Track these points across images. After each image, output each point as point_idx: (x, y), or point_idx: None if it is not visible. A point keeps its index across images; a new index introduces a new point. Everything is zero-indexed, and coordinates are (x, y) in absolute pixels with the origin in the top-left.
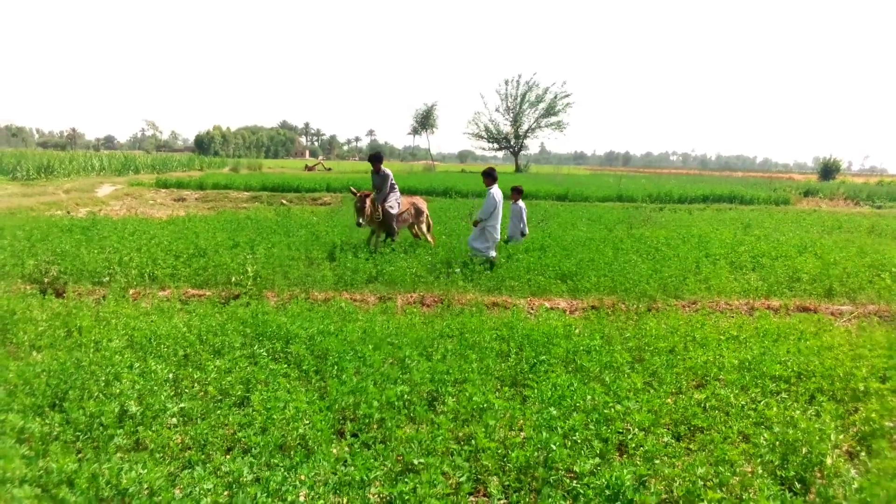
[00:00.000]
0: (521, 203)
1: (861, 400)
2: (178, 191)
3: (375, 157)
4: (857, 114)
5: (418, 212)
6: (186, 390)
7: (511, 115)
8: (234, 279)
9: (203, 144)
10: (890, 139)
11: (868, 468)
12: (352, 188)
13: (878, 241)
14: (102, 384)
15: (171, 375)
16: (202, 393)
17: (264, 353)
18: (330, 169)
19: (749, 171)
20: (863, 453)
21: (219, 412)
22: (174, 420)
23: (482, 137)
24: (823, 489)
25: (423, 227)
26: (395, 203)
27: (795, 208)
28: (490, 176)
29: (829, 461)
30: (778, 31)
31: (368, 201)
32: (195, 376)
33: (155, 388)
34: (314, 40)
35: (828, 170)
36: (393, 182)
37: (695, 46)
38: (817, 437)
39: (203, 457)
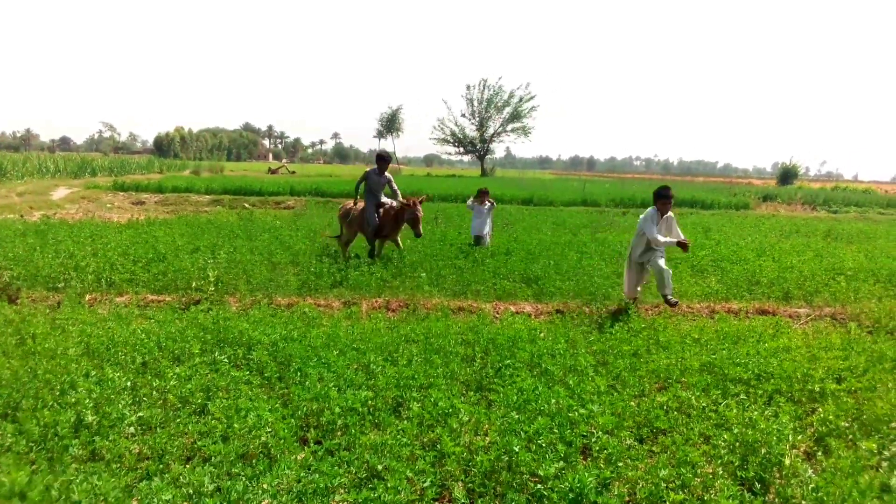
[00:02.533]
0: (487, 204)
1: (818, 401)
2: (136, 194)
3: (385, 157)
4: (814, 121)
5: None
6: (145, 398)
7: (477, 119)
8: (194, 284)
9: (163, 146)
10: (846, 146)
11: (824, 467)
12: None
13: (834, 246)
14: (58, 393)
15: (129, 383)
16: (161, 401)
17: (225, 360)
18: (294, 172)
19: (710, 176)
20: (819, 453)
21: (178, 421)
22: (132, 429)
23: (448, 142)
24: (782, 489)
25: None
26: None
27: (755, 213)
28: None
29: (787, 461)
30: (738, 39)
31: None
32: (154, 384)
33: (112, 396)
34: (278, 42)
35: (786, 175)
36: (395, 188)
37: (658, 54)
38: (776, 438)
39: (161, 467)
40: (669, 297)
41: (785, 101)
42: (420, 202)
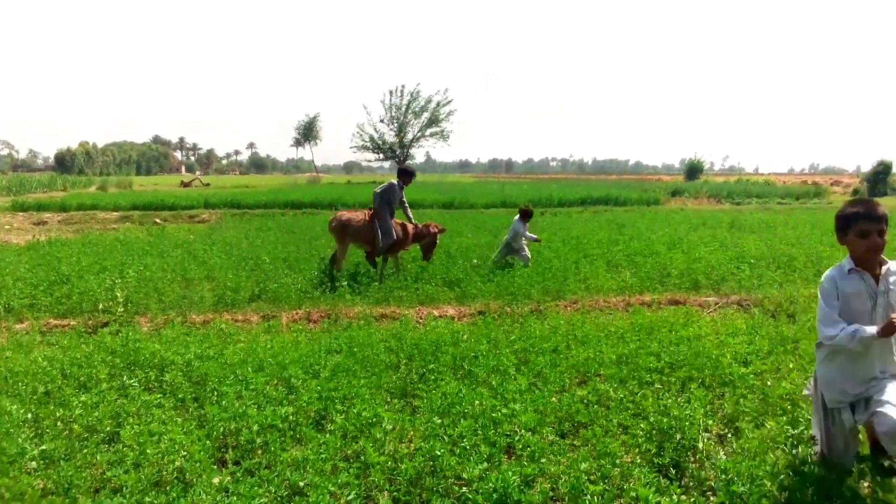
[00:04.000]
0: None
1: (727, 385)
2: (37, 213)
3: (412, 172)
4: (717, 118)
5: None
6: (48, 430)
7: (395, 125)
8: (101, 306)
9: (66, 163)
10: (746, 141)
11: (734, 449)
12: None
13: (738, 235)
14: None
15: (29, 415)
16: (66, 432)
17: (136, 384)
18: (208, 184)
19: (622, 174)
20: (730, 435)
21: (85, 451)
22: (34, 464)
23: (367, 148)
24: (696, 472)
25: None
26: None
27: (665, 208)
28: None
29: (700, 445)
30: (643, 41)
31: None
32: (58, 414)
33: (11, 430)
34: (186, 50)
35: (693, 170)
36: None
37: (569, 56)
38: (689, 423)
39: (68, 502)
40: None
41: (690, 100)
42: (440, 232)
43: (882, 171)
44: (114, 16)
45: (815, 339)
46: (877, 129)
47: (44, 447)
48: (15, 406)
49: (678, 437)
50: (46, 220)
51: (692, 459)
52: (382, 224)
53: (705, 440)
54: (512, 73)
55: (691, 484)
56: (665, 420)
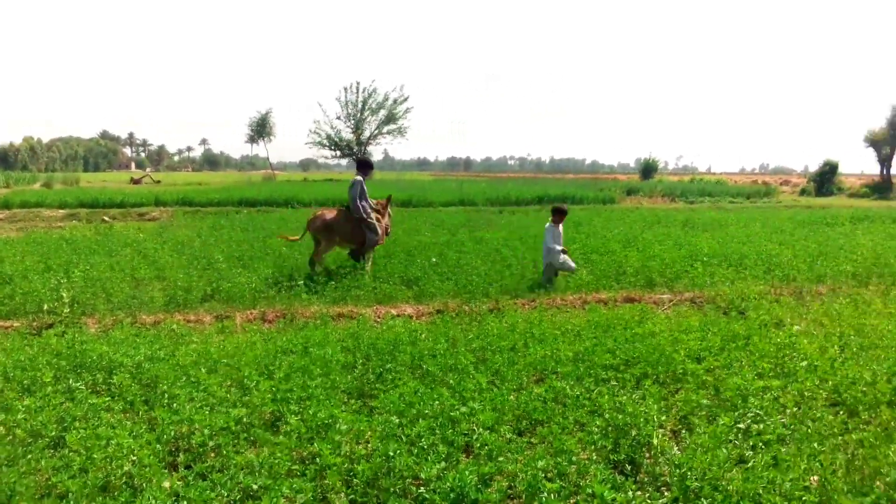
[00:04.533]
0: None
1: (681, 381)
2: None
3: (371, 163)
4: (671, 118)
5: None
6: None
7: (352, 122)
8: (46, 307)
9: (8, 159)
10: (699, 141)
11: (688, 444)
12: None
13: (691, 234)
14: None
15: None
16: (9, 437)
17: (83, 387)
18: (159, 181)
19: (579, 173)
20: (684, 431)
21: (29, 457)
22: None
23: (324, 146)
24: (651, 468)
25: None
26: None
27: (620, 206)
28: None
29: (655, 441)
30: (595, 43)
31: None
32: (0, 419)
33: None
34: (135, 41)
35: (647, 169)
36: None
37: (524, 56)
38: (643, 420)
39: None
40: None
41: (645, 100)
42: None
43: (828, 171)
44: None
45: (766, 334)
46: (824, 131)
47: None
48: None
49: (633, 433)
50: None
51: (647, 455)
52: (368, 221)
53: (660, 436)
54: (473, 72)
55: (646, 479)
56: (620, 417)
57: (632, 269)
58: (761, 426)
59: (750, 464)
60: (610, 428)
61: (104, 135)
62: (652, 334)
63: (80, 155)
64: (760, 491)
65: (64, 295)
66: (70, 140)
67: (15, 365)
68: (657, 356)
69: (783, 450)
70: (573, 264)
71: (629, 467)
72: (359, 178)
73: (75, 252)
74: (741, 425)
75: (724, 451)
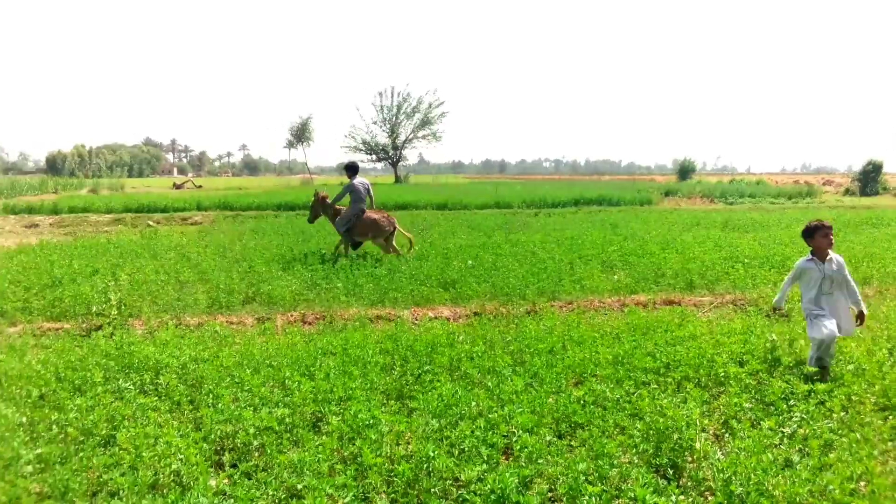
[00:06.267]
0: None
1: (723, 385)
2: (29, 216)
3: (357, 167)
4: (710, 117)
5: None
6: (43, 434)
7: (387, 126)
8: (95, 309)
9: (57, 165)
10: (738, 141)
11: (731, 448)
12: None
13: (731, 235)
14: None
15: (24, 419)
16: (62, 435)
17: (131, 387)
18: (200, 186)
19: (615, 175)
20: (727, 435)
21: (81, 455)
22: (30, 468)
23: (360, 150)
24: (694, 472)
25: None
26: (349, 215)
27: (658, 208)
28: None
29: (697, 445)
30: (634, 41)
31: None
32: (53, 417)
33: (6, 434)
34: (177, 50)
35: (685, 170)
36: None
37: (560, 57)
38: (685, 423)
39: None
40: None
41: (682, 100)
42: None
43: (872, 170)
44: (106, 18)
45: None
46: (868, 129)
47: (39, 451)
48: (10, 410)
49: (675, 437)
50: (38, 222)
51: (690, 459)
52: (369, 216)
53: (702, 440)
54: (506, 74)
55: (689, 484)
56: (662, 420)
57: (671, 271)
58: (807, 430)
59: (796, 469)
60: (651, 431)
61: (147, 141)
62: (693, 337)
63: (124, 161)
64: (807, 496)
65: (111, 297)
66: (115, 147)
67: (66, 365)
68: (698, 359)
69: (831, 455)
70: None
71: (671, 471)
72: (355, 181)
73: (121, 255)
74: (786, 430)
75: (769, 455)
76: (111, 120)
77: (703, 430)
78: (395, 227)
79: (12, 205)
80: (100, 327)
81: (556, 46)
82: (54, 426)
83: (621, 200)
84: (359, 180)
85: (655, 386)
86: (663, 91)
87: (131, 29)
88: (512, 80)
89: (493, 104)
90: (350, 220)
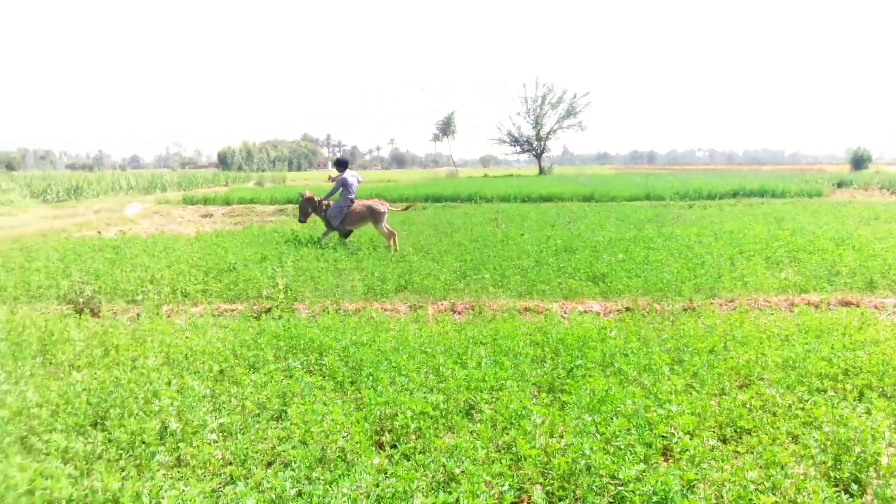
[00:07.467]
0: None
1: None
2: (204, 207)
3: (348, 161)
4: (891, 101)
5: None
6: (224, 405)
7: (532, 117)
8: (264, 293)
9: (226, 160)
10: None
11: None
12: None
13: None
14: (142, 402)
15: (207, 391)
16: (240, 408)
17: (299, 366)
18: None
19: (778, 165)
20: None
21: (257, 427)
22: (214, 436)
23: (505, 142)
24: (880, 490)
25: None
26: (341, 206)
27: (829, 200)
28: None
29: (884, 461)
30: (801, 23)
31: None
32: (232, 391)
33: (193, 404)
34: (330, 54)
35: (859, 160)
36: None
37: (715, 40)
38: (870, 436)
39: (245, 472)
40: None
41: (855, 84)
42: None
43: None
44: (263, 35)
45: None
46: None
47: (221, 420)
48: (196, 382)
49: (857, 450)
50: (212, 212)
51: (875, 475)
52: (359, 207)
53: (889, 455)
54: (654, 61)
55: (875, 502)
56: (842, 431)
57: (847, 269)
58: None
59: None
60: (829, 442)
61: (305, 137)
62: (875, 342)
63: (285, 156)
64: None
65: (279, 282)
66: (277, 143)
67: (241, 344)
68: (883, 366)
69: None
70: None
71: (854, 487)
72: (347, 174)
73: (286, 244)
74: None
75: None
76: (272, 118)
77: (891, 444)
78: (387, 209)
79: (190, 196)
80: (269, 310)
81: (708, 30)
82: (233, 399)
83: (786, 192)
84: (350, 174)
85: (833, 393)
86: (834, 73)
87: (292, 35)
88: (661, 67)
89: (642, 93)
90: (343, 211)
